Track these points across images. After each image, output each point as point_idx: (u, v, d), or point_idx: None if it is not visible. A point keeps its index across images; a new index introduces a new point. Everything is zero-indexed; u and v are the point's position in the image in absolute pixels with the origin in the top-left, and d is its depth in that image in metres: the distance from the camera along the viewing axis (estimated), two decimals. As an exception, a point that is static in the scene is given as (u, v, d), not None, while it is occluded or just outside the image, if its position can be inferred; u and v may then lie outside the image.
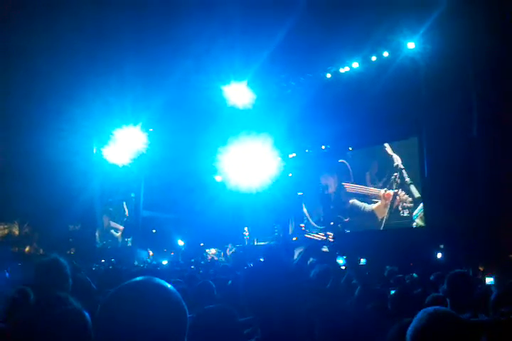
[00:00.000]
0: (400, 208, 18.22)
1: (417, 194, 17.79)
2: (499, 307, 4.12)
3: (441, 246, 14.91)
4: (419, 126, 17.00)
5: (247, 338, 2.61)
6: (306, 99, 19.11)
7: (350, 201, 20.04)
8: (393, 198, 18.46)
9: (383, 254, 13.74)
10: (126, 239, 25.54)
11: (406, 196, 18.03)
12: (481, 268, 11.30)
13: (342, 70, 18.71)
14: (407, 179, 18.04)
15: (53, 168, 22.22)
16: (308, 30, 16.36)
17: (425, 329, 1.90)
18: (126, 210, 26.09)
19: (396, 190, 18.38)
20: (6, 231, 28.02)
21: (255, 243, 21.68)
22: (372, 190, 19.24)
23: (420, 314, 1.99)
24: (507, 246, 13.41)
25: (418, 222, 17.60)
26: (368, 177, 19.51)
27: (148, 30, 17.90)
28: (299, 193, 22.13)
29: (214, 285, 5.02)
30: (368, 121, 17.85)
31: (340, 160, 20.54)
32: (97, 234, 26.76)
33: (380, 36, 16.35)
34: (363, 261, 11.83)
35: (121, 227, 26.23)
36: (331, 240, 16.12)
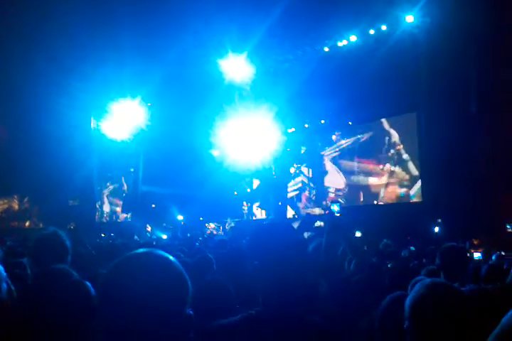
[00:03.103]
0: (397, 185, 18.16)
1: (415, 172, 17.61)
2: (490, 279, 4.23)
3: (439, 221, 15.05)
4: (418, 101, 16.89)
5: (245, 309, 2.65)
6: (305, 73, 18.95)
7: (348, 177, 20.02)
8: (390, 175, 18.36)
9: (381, 228, 13.84)
10: (125, 214, 25.65)
11: (403, 173, 17.92)
12: (475, 242, 11.42)
13: (340, 44, 18.53)
14: (405, 155, 17.84)
15: (52, 143, 22.23)
16: (306, 3, 16.19)
17: (424, 299, 1.96)
18: (125, 185, 26.12)
19: (393, 168, 18.23)
20: (5, 206, 28.16)
21: (260, 216, 21.77)
22: (368, 167, 19.13)
23: (418, 286, 2.04)
24: (503, 220, 13.53)
25: (415, 200, 17.54)
26: (366, 153, 19.40)
27: (146, 2, 17.72)
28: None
29: (213, 259, 5.04)
30: (366, 96, 17.76)
31: (335, 135, 20.43)
32: (97, 208, 26.84)
33: (378, 9, 16.16)
34: (358, 234, 11.92)
35: (121, 202, 26.32)
36: (327, 213, 16.21)
